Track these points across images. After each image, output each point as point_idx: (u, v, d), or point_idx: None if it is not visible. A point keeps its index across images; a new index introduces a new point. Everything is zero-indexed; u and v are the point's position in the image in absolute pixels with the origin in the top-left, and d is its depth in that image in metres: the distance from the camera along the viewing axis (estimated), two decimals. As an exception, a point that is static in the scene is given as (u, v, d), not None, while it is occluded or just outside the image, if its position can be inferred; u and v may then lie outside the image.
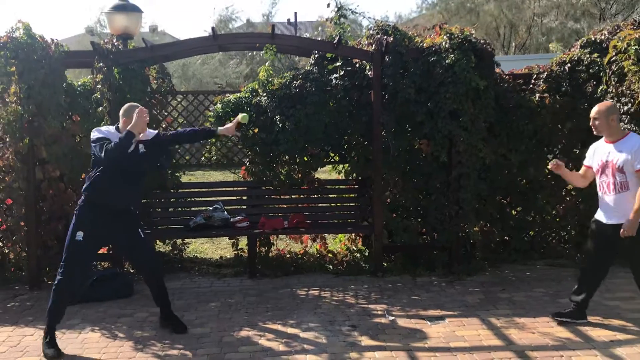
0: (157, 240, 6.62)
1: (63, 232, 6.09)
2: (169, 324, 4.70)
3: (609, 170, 4.32)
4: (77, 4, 65.07)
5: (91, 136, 4.37)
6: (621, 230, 4.17)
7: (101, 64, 5.73)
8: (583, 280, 4.63)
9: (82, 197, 4.41)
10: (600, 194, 4.44)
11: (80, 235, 4.28)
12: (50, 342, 4.29)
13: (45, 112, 5.62)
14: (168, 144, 4.76)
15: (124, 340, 4.52)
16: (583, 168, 4.64)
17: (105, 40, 5.97)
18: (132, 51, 6.11)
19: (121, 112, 4.46)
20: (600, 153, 4.42)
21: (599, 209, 4.49)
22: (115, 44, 5.95)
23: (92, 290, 5.42)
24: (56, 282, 4.32)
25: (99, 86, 5.78)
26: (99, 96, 5.78)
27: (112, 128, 4.46)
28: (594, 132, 4.46)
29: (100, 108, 5.77)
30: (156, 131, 4.70)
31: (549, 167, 4.70)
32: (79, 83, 6.11)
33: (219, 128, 4.69)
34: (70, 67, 6.24)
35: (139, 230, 4.57)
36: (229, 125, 4.67)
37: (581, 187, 4.79)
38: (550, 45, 17.87)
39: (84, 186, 4.40)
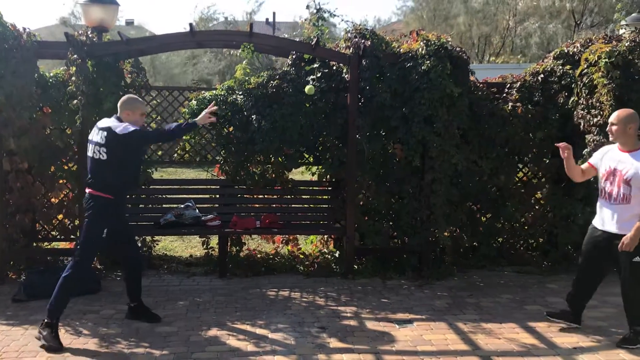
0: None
1: (29, 225, 5.99)
2: (140, 317, 4.74)
3: (615, 179, 4.28)
4: (50, -5, 63.86)
5: (119, 132, 4.30)
6: (620, 244, 4.20)
7: (75, 56, 5.63)
8: (577, 284, 4.68)
9: (107, 194, 4.38)
10: (600, 199, 4.44)
11: (105, 232, 4.39)
12: (56, 335, 4.26)
13: (15, 103, 5.50)
14: (154, 140, 4.84)
15: (89, 337, 4.44)
16: (586, 165, 4.59)
17: (80, 32, 5.88)
18: (107, 44, 6.02)
19: (122, 104, 4.48)
20: (610, 159, 4.37)
21: (597, 215, 4.50)
22: (90, 36, 5.85)
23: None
24: (69, 275, 4.35)
25: (73, 78, 5.68)
26: (74, 89, 5.67)
27: (118, 119, 4.48)
28: (610, 138, 4.41)
29: (75, 101, 5.67)
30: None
31: (559, 145, 4.55)
32: (51, 74, 5.99)
33: (197, 120, 4.71)
34: (43, 57, 6.12)
35: (126, 218, 4.92)
36: (202, 114, 4.72)
37: (577, 181, 4.75)
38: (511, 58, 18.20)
39: (108, 183, 4.39)
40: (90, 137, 4.52)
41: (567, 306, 4.78)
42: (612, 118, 4.33)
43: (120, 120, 4.46)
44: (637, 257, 4.23)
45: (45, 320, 4.30)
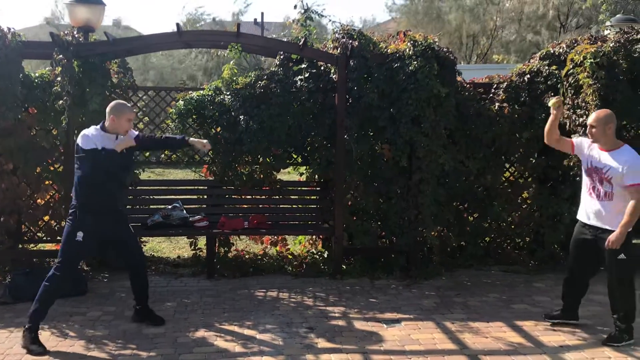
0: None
1: (15, 227, 5.93)
2: (145, 319, 4.73)
3: (596, 177, 4.39)
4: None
5: (80, 142, 4.30)
6: (606, 242, 4.28)
7: (61, 56, 5.58)
8: (569, 281, 4.76)
9: (75, 201, 4.39)
10: (584, 193, 4.54)
11: (80, 235, 4.33)
12: (35, 338, 4.22)
13: (0, 103, 5.44)
14: (143, 148, 4.75)
15: (75, 340, 4.41)
16: (567, 139, 4.67)
17: (66, 32, 5.83)
18: (93, 44, 5.99)
19: (109, 109, 4.44)
20: (592, 156, 4.44)
21: (580, 208, 4.59)
22: (76, 36, 5.81)
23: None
24: (50, 280, 4.33)
25: (59, 79, 5.63)
26: (59, 89, 5.63)
27: (97, 131, 4.41)
28: (590, 139, 4.46)
29: (61, 101, 5.63)
30: (137, 132, 4.66)
31: (552, 100, 4.54)
32: (37, 75, 5.94)
33: (191, 139, 4.72)
34: (28, 58, 6.07)
35: (129, 225, 4.77)
36: (203, 140, 4.72)
37: (548, 142, 4.73)
38: (502, 53, 18.28)
39: (75, 191, 4.39)
40: None
41: (561, 305, 4.86)
42: (591, 120, 4.39)
43: (103, 127, 4.43)
44: (621, 254, 4.31)
45: (26, 325, 4.27)
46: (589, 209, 4.48)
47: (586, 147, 4.52)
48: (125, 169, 4.66)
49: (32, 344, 4.19)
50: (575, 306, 4.81)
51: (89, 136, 4.34)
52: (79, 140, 4.34)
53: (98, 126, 4.47)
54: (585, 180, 4.51)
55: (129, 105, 4.61)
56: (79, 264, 4.70)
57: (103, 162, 4.29)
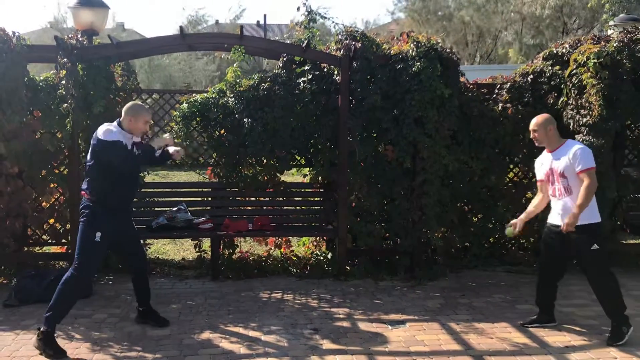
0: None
1: (20, 229, 5.95)
2: (148, 320, 4.74)
3: (553, 177, 4.56)
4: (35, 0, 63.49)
5: (102, 136, 4.24)
6: (562, 225, 4.40)
7: (65, 59, 5.61)
8: (541, 284, 4.83)
9: (89, 200, 4.36)
10: (551, 199, 4.67)
11: (99, 235, 4.31)
12: (52, 341, 4.18)
13: (5, 106, 5.47)
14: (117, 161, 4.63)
15: (81, 342, 4.43)
16: (538, 184, 4.83)
17: (70, 36, 5.86)
18: (97, 47, 6.01)
19: (126, 110, 4.43)
20: (545, 164, 4.66)
21: (550, 214, 4.70)
22: (80, 39, 5.84)
23: (49, 290, 5.25)
24: (67, 282, 4.28)
25: (63, 82, 5.66)
26: (64, 92, 5.65)
27: (116, 128, 4.37)
28: (535, 144, 4.69)
29: (65, 105, 5.65)
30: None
31: (514, 226, 4.82)
32: (41, 78, 5.97)
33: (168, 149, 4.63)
34: (33, 61, 6.10)
35: (134, 225, 4.81)
36: (177, 149, 4.65)
37: (545, 205, 4.82)
38: (510, 51, 18.26)
39: (89, 189, 4.35)
40: None
41: (537, 311, 4.89)
42: (532, 126, 4.63)
43: (119, 125, 4.41)
44: (594, 244, 4.39)
45: (41, 329, 4.18)
46: (555, 211, 4.60)
47: (539, 167, 4.74)
48: (139, 169, 4.64)
49: (49, 347, 4.14)
50: (551, 309, 4.85)
51: (112, 130, 4.31)
52: (100, 134, 4.26)
53: (115, 123, 4.44)
54: (550, 190, 4.63)
55: (145, 107, 4.62)
56: (98, 265, 4.64)
57: (126, 157, 4.29)
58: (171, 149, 4.62)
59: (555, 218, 4.60)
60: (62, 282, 4.31)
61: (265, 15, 36.15)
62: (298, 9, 6.66)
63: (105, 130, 4.29)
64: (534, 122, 4.61)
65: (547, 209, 4.78)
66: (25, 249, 6.27)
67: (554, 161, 4.54)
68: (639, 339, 4.46)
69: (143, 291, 4.79)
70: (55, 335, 4.23)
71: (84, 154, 6.00)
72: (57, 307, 4.25)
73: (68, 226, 6.09)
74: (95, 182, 4.35)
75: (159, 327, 4.69)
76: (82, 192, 4.44)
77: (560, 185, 4.49)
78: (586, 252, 4.42)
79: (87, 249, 4.33)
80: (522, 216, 4.82)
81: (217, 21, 32.44)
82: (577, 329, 4.75)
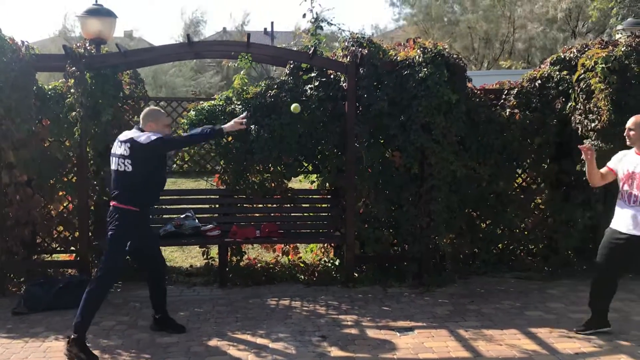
0: (127, 248, 6.52)
1: (29, 237, 5.98)
2: (165, 327, 4.75)
3: (633, 182, 4.39)
4: (44, 9, 64.07)
5: (146, 140, 4.30)
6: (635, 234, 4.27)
7: (73, 68, 5.64)
8: (599, 286, 4.67)
9: (133, 207, 4.38)
10: (620, 201, 4.50)
11: (129, 244, 4.44)
12: (84, 347, 4.21)
13: (14, 115, 5.51)
14: (180, 146, 4.97)
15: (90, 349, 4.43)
16: (605, 169, 4.65)
17: (78, 45, 5.90)
18: (105, 56, 6.05)
19: (146, 116, 4.51)
20: (628, 162, 4.48)
21: (615, 217, 4.53)
22: (88, 48, 5.88)
23: (58, 297, 5.32)
24: (93, 289, 4.31)
25: (72, 91, 5.69)
26: (72, 101, 5.69)
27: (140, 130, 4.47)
28: (627, 142, 4.53)
29: (74, 113, 5.68)
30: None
31: (582, 147, 4.57)
32: (50, 87, 6.01)
33: (224, 126, 4.72)
34: (41, 70, 6.15)
35: (152, 231, 4.98)
36: (232, 121, 4.73)
37: (596, 185, 4.73)
38: (502, 63, 18.25)
39: (123, 198, 4.37)
40: (112, 151, 4.51)
41: (589, 314, 4.76)
42: (630, 124, 4.46)
43: (142, 131, 4.46)
44: None
45: (72, 336, 4.21)
46: (625, 216, 4.42)
47: (619, 159, 4.58)
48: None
49: (82, 352, 4.18)
50: (606, 312, 4.72)
51: (145, 132, 4.39)
52: (141, 141, 4.30)
53: (135, 129, 4.50)
54: (621, 190, 4.48)
55: (163, 111, 4.72)
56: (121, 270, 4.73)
57: (176, 142, 4.56)
58: (230, 124, 4.70)
59: (624, 226, 4.42)
60: (87, 290, 4.32)
61: (272, 23, 36.22)
62: (304, 15, 6.68)
63: (144, 137, 4.34)
64: (632, 121, 4.45)
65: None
66: (34, 256, 6.29)
67: (639, 166, 4.39)
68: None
69: (160, 298, 4.79)
70: (86, 341, 4.27)
71: (92, 162, 6.05)
72: (84, 315, 4.28)
73: (77, 234, 6.11)
74: (140, 191, 4.40)
75: (176, 333, 4.69)
76: (114, 202, 4.42)
77: (639, 193, 4.34)
78: None
79: (117, 257, 4.43)
80: (593, 161, 4.55)
81: (224, 29, 32.61)
82: (587, 335, 4.70)
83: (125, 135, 4.47)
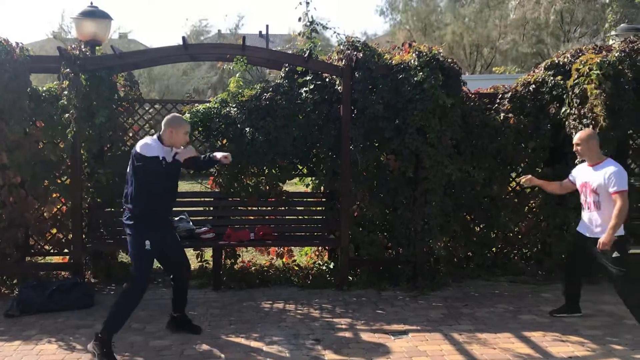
0: (121, 251, 6.51)
1: (22, 239, 5.96)
2: (181, 327, 4.81)
3: (586, 190, 4.85)
4: (39, 10, 63.92)
5: (141, 151, 4.30)
6: (598, 244, 4.66)
7: (68, 69, 5.63)
8: (567, 278, 5.23)
9: (131, 212, 4.41)
10: (583, 209, 4.96)
11: (148, 243, 4.38)
12: (110, 351, 4.22)
13: (8, 116, 5.49)
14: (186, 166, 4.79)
15: (82, 352, 4.41)
16: (566, 180, 5.16)
17: (73, 46, 5.89)
18: (100, 58, 6.04)
19: (167, 123, 4.49)
20: (582, 174, 4.95)
21: (580, 222, 5.01)
22: (83, 50, 5.87)
23: (50, 300, 5.30)
24: (126, 292, 4.42)
25: (66, 92, 5.67)
26: (66, 102, 5.67)
27: (155, 142, 4.43)
28: (577, 156, 5.04)
29: (67, 115, 5.67)
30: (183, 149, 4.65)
31: (521, 181, 5.30)
32: (44, 89, 5.99)
33: (216, 154, 4.70)
34: (36, 72, 6.14)
35: (177, 236, 4.94)
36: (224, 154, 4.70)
37: (558, 194, 5.42)
38: (495, 68, 18.35)
39: (130, 202, 4.39)
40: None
41: (565, 301, 5.27)
42: (576, 139, 4.90)
43: (159, 139, 4.46)
44: (615, 252, 4.67)
45: (99, 335, 4.25)
46: (585, 221, 4.91)
47: (576, 172, 5.04)
48: (177, 181, 4.67)
49: (104, 353, 4.19)
50: (577, 299, 5.22)
51: (151, 145, 4.37)
52: (139, 149, 4.32)
53: (154, 137, 4.50)
54: (581, 199, 4.94)
55: (184, 119, 4.73)
56: (150, 273, 4.70)
57: (166, 170, 4.36)
58: (218, 155, 4.67)
59: (584, 228, 4.92)
60: (121, 293, 4.44)
61: (267, 26, 36.27)
62: (300, 19, 6.69)
63: (143, 145, 4.35)
64: (578, 137, 4.87)
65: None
66: (28, 259, 6.27)
67: (590, 176, 4.81)
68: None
69: (181, 299, 4.85)
70: (112, 344, 4.29)
71: (86, 164, 6.03)
72: (115, 318, 4.33)
73: (70, 236, 6.08)
74: (135, 195, 4.38)
75: (192, 333, 4.74)
76: (124, 205, 4.48)
77: (591, 199, 4.78)
78: (608, 259, 4.70)
79: (141, 259, 4.43)
80: (540, 181, 5.32)
81: (219, 31, 32.59)
82: (581, 339, 4.72)
83: (143, 139, 4.54)
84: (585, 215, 4.89)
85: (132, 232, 4.41)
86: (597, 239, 4.69)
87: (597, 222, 4.76)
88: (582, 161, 5.04)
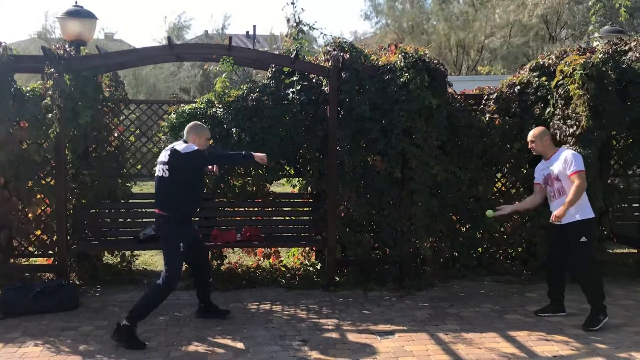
0: (106, 252, 6.46)
1: (5, 241, 5.89)
2: (209, 314, 5.16)
3: (550, 181, 5.07)
4: (23, 9, 63.21)
5: (184, 150, 4.62)
6: (552, 217, 4.93)
7: (52, 69, 5.58)
8: (548, 278, 5.37)
9: (166, 215, 4.69)
10: (549, 202, 5.14)
11: (182, 245, 4.69)
12: (134, 336, 4.51)
13: (-9, 117, 5.43)
14: (214, 162, 5.14)
15: (68, 355, 4.37)
16: (535, 186, 5.31)
17: (57, 46, 5.83)
18: (85, 58, 5.99)
19: (190, 130, 4.82)
20: (543, 169, 5.18)
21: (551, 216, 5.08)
22: (68, 49, 5.81)
23: (35, 302, 5.24)
24: (158, 287, 4.64)
25: (50, 92, 5.62)
26: (49, 102, 5.62)
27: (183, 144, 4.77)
28: (533, 153, 5.25)
29: (50, 115, 5.61)
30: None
31: (495, 214, 5.42)
32: (28, 88, 5.93)
33: (255, 154, 4.86)
34: (20, 71, 6.06)
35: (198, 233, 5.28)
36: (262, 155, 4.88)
37: (538, 204, 5.39)
38: (480, 68, 18.48)
39: (166, 205, 4.70)
40: (158, 159, 4.83)
41: (549, 301, 5.38)
42: (530, 137, 5.14)
43: (186, 142, 4.78)
44: (583, 237, 4.90)
45: (123, 323, 4.50)
46: (552, 210, 5.05)
47: (538, 172, 5.23)
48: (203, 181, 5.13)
49: (129, 339, 4.48)
50: (561, 299, 5.33)
51: (186, 144, 4.73)
52: (179, 149, 4.63)
53: (180, 141, 4.81)
54: (547, 193, 5.15)
55: (205, 126, 5.01)
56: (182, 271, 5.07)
57: (208, 158, 4.82)
58: (257, 155, 4.85)
59: (557, 220, 5.00)
60: (151, 288, 4.73)
61: (254, 26, 36.05)
62: (288, 20, 6.69)
63: (183, 147, 4.67)
64: (532, 134, 5.13)
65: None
66: (11, 260, 6.19)
67: (550, 167, 5.06)
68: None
69: (205, 290, 5.17)
70: (135, 330, 4.55)
71: (70, 164, 5.98)
72: (142, 309, 4.60)
73: (54, 237, 6.02)
74: (174, 197, 4.69)
75: (221, 318, 5.08)
76: (156, 209, 4.76)
77: (555, 187, 5.02)
78: (575, 243, 4.91)
79: (176, 260, 4.72)
80: (512, 206, 5.49)
81: (206, 32, 32.47)
82: (565, 338, 4.77)
83: (171, 145, 4.82)
84: (552, 206, 5.07)
85: (167, 235, 4.72)
86: (567, 224, 4.89)
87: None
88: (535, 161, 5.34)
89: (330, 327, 5.00)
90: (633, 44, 6.23)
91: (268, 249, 6.66)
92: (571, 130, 5.81)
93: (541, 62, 6.46)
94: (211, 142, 6.05)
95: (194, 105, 6.25)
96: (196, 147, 4.70)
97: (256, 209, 6.56)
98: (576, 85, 5.76)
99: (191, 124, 4.92)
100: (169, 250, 4.71)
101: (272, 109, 6.04)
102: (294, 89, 6.15)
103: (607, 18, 14.31)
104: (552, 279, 5.32)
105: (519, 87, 6.38)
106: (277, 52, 7.16)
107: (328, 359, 4.34)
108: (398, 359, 4.35)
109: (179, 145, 4.71)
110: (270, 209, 6.53)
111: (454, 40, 22.55)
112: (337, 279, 6.22)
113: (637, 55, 6.02)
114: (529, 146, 5.18)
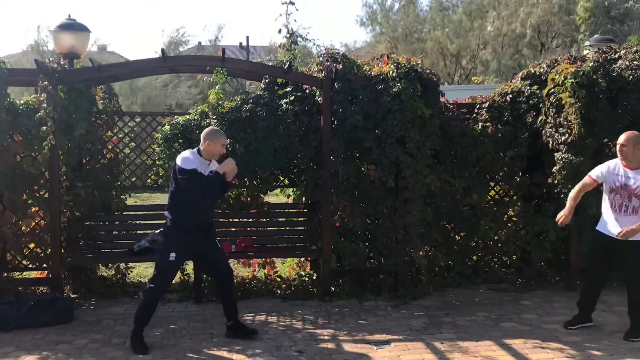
0: (100, 265, 6.44)
1: (0, 254, 5.85)
2: (237, 333, 4.96)
3: (625, 193, 4.74)
4: (16, 22, 63.23)
5: (181, 164, 4.58)
6: (621, 232, 4.65)
7: (46, 82, 5.57)
8: (587, 286, 5.16)
9: (169, 222, 4.73)
10: (609, 210, 4.85)
11: (173, 256, 4.67)
12: (142, 341, 4.68)
13: (-16, 130, 5.42)
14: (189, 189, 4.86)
15: (62, 369, 4.35)
16: (588, 179, 4.98)
17: (51, 59, 5.84)
18: (78, 71, 6.00)
19: (205, 136, 4.71)
20: (619, 175, 4.80)
21: (604, 221, 4.91)
22: (61, 62, 5.82)
23: (28, 315, 5.20)
24: (148, 292, 4.74)
25: (44, 105, 5.61)
26: (43, 115, 5.61)
27: (194, 155, 4.69)
28: (619, 157, 4.82)
29: (45, 127, 5.61)
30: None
31: (559, 222, 5.03)
32: (22, 102, 5.93)
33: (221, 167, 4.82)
34: (13, 85, 6.07)
35: (217, 242, 5.07)
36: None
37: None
38: (473, 78, 18.62)
39: (170, 212, 4.72)
40: None
41: (577, 311, 5.18)
42: (622, 140, 4.77)
43: (198, 152, 4.71)
44: None
45: (132, 336, 4.71)
46: (614, 224, 4.78)
47: (605, 171, 4.88)
48: (217, 189, 4.84)
49: (141, 345, 4.66)
50: (591, 310, 5.15)
51: (189, 158, 4.63)
52: (179, 162, 4.60)
53: (194, 150, 4.74)
54: (610, 199, 4.83)
55: (221, 131, 4.94)
56: (173, 279, 5.12)
57: (204, 184, 4.59)
58: (224, 167, 4.78)
59: (612, 229, 4.77)
60: (142, 294, 4.87)
61: (247, 37, 36.09)
62: (280, 31, 6.72)
63: (184, 159, 4.62)
64: (624, 138, 4.76)
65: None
66: (5, 274, 6.16)
67: (632, 179, 4.71)
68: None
69: (228, 307, 4.98)
70: (143, 335, 4.73)
71: (65, 177, 5.97)
72: (139, 318, 4.74)
73: (49, 250, 5.99)
74: (176, 206, 4.71)
75: (249, 338, 4.91)
76: (165, 215, 4.79)
77: (631, 204, 4.71)
78: (635, 263, 4.72)
79: (163, 267, 4.75)
80: (571, 208, 4.95)
81: (199, 43, 32.51)
82: (561, 346, 4.77)
83: (185, 151, 4.82)
84: (618, 218, 4.76)
85: (163, 242, 4.83)
86: (632, 241, 4.65)
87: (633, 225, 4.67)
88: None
89: (326, 337, 4.99)
90: (623, 52, 6.30)
91: (263, 260, 6.65)
92: (563, 138, 5.85)
93: (532, 71, 6.52)
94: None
95: (187, 116, 6.26)
96: (190, 167, 4.54)
97: (251, 220, 6.55)
98: (567, 93, 5.81)
99: (207, 129, 4.83)
100: (159, 256, 4.79)
101: (265, 120, 6.06)
102: (287, 100, 6.17)
103: (596, 27, 14.45)
104: (592, 291, 5.12)
105: (510, 95, 6.43)
106: (270, 63, 7.18)
107: (324, 370, 4.33)
108: (394, 369, 4.35)
109: (184, 157, 4.63)
110: (264, 220, 6.53)
111: (448, 49, 22.70)
112: (333, 288, 6.21)
113: (627, 63, 6.09)
114: (617, 149, 4.82)
